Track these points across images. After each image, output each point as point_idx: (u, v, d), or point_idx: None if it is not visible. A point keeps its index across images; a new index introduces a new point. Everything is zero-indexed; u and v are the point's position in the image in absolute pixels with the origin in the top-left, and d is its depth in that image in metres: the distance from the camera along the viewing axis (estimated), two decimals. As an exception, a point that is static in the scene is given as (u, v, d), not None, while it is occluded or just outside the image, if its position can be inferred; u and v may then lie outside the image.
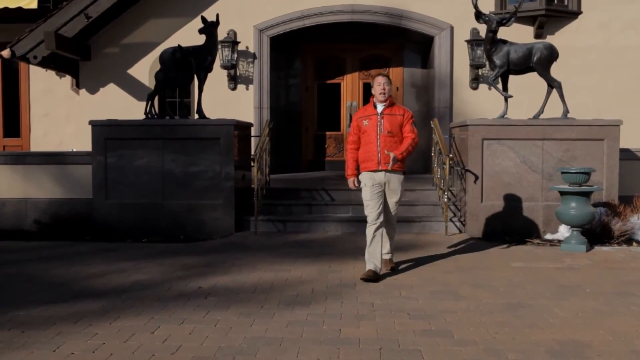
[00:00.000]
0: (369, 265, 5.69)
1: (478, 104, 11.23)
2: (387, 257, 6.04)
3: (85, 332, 4.18)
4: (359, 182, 5.89)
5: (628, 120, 8.88)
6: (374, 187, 5.72)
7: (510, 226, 8.08)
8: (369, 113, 5.83)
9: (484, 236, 8.03)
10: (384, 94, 5.79)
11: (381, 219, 5.72)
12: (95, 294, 5.19)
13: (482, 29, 9.30)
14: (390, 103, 5.85)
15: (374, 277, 5.59)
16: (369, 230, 5.73)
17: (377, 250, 5.71)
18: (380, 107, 5.82)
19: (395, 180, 5.81)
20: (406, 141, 5.76)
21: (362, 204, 5.92)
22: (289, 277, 5.82)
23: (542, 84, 8.46)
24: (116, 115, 9.57)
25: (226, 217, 8.30)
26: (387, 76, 5.93)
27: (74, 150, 10.76)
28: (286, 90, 12.73)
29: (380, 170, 5.72)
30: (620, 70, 11.23)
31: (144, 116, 8.55)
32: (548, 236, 7.85)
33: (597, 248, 7.24)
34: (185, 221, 8.31)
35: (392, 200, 5.86)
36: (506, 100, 8.35)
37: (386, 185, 5.78)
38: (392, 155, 5.64)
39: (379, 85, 5.81)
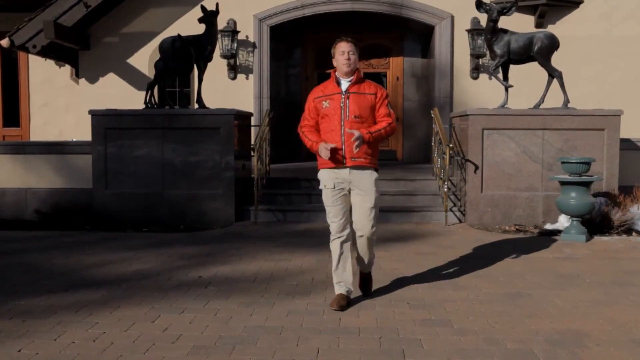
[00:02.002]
0: (339, 289, 4.55)
1: (478, 93, 11.21)
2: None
3: (86, 322, 4.19)
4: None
5: (629, 110, 8.87)
6: (336, 190, 4.45)
7: (510, 216, 8.10)
8: (330, 91, 4.50)
9: (484, 226, 8.05)
10: (349, 64, 4.44)
11: (348, 229, 4.52)
12: (96, 284, 5.20)
13: (483, 19, 9.27)
14: (359, 78, 4.50)
15: (345, 305, 4.46)
16: (334, 245, 4.54)
17: (347, 267, 4.54)
18: (344, 84, 4.48)
19: (365, 178, 4.45)
20: (380, 124, 4.48)
21: None
22: (289, 267, 5.83)
23: (543, 74, 8.44)
24: (116, 105, 9.55)
25: (226, 206, 8.31)
26: (353, 43, 4.52)
27: (74, 140, 10.77)
28: (286, 79, 12.71)
29: (345, 167, 4.42)
30: (621, 60, 11.20)
31: (143, 106, 8.54)
32: (548, 226, 7.86)
33: (596, 238, 7.25)
34: (186, 211, 8.31)
35: (365, 206, 4.44)
36: (507, 89, 8.34)
37: (352, 186, 4.46)
38: (356, 133, 4.30)
39: (342, 54, 4.47)
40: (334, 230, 4.52)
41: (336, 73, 4.55)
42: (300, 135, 4.64)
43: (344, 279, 4.54)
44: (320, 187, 4.54)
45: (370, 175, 4.48)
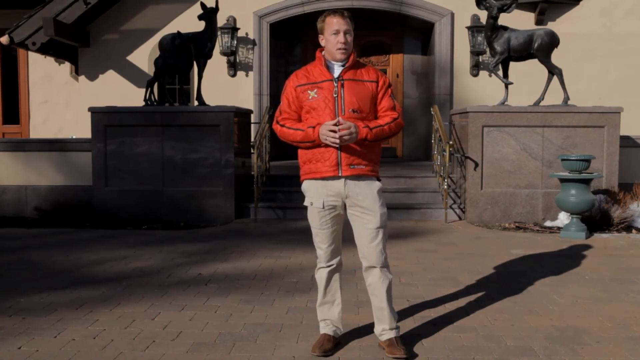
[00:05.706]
0: (324, 329, 3.66)
1: (478, 90, 11.20)
2: (389, 335, 3.56)
3: (86, 319, 4.19)
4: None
5: (629, 107, 8.87)
6: (326, 210, 3.49)
7: (510, 213, 8.10)
8: (318, 77, 3.45)
9: (484, 223, 8.05)
10: (345, 49, 3.42)
11: (338, 257, 3.62)
12: (96, 281, 5.21)
13: (483, 16, 9.27)
14: (354, 62, 3.47)
15: (330, 349, 3.54)
16: (320, 274, 3.64)
17: (336, 302, 3.68)
18: (337, 69, 3.46)
19: (366, 191, 3.43)
20: (383, 119, 3.45)
21: None
22: (289, 264, 5.84)
23: (543, 71, 8.43)
24: (116, 102, 9.55)
25: (226, 204, 8.31)
26: (350, 18, 3.44)
27: (74, 137, 10.77)
28: (286, 76, 12.61)
29: (339, 178, 3.42)
30: (621, 57, 11.19)
31: (143, 103, 8.53)
32: (548, 223, 7.86)
33: (596, 235, 7.25)
34: (186, 208, 8.32)
35: (368, 227, 3.43)
36: (507, 87, 8.34)
37: (350, 202, 3.46)
38: (351, 126, 3.30)
39: (335, 33, 3.40)
40: (322, 258, 3.59)
41: (323, 53, 3.51)
42: (281, 132, 3.53)
43: (330, 317, 3.66)
44: (306, 203, 3.57)
45: (372, 187, 3.45)
